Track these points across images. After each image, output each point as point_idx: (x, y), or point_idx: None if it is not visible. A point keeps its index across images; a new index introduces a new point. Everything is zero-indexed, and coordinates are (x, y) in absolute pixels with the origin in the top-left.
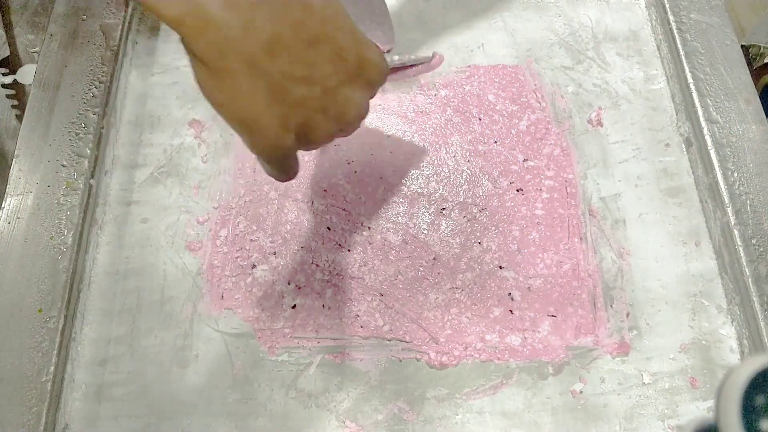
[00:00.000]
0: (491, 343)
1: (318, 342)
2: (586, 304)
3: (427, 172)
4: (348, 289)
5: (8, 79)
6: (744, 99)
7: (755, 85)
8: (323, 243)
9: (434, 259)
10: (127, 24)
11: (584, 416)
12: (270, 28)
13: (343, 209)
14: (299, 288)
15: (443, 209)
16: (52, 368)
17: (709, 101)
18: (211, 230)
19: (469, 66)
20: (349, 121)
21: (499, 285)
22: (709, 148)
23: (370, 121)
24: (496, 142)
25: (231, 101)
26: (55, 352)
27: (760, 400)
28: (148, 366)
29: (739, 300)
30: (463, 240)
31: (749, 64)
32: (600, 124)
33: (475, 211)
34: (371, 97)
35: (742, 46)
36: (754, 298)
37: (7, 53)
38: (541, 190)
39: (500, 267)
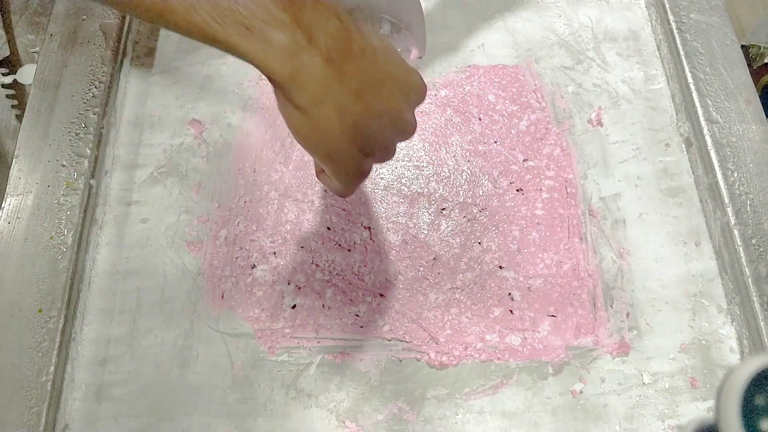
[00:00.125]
0: (491, 343)
1: (318, 342)
2: (586, 304)
3: (427, 172)
4: (348, 289)
5: (8, 79)
6: (744, 99)
7: (755, 85)
8: (323, 243)
9: (434, 259)
10: (127, 24)
11: (584, 416)
12: (357, 77)
13: (343, 209)
14: (299, 288)
15: (443, 209)
16: (52, 368)
17: (709, 101)
18: (211, 230)
19: (469, 66)
20: (409, 137)
21: (499, 285)
22: (709, 148)
23: None
24: (496, 142)
25: (323, 141)
26: (55, 352)
27: (760, 400)
28: (148, 366)
29: (739, 300)
30: (463, 240)
31: (749, 64)
32: (600, 124)
33: (475, 211)
34: None
35: (742, 46)
36: (754, 298)
37: (7, 53)
38: (541, 190)
39: (500, 267)
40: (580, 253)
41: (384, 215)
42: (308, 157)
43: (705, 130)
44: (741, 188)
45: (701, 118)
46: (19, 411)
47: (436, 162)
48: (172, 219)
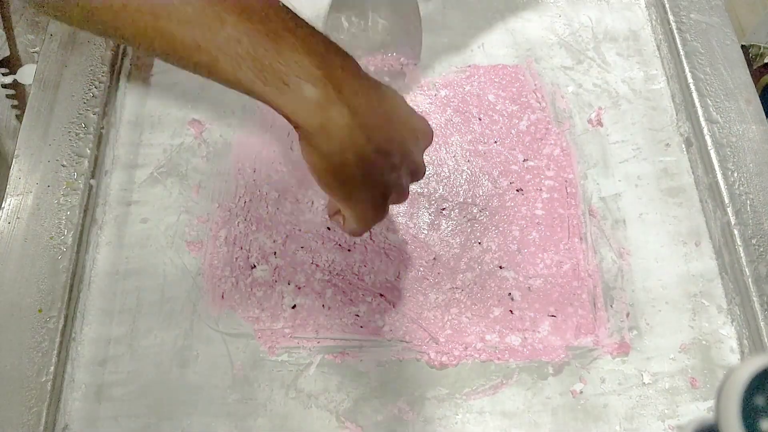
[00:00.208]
0: (491, 343)
1: (318, 342)
2: (586, 304)
3: (427, 172)
4: (348, 289)
5: (8, 79)
6: (744, 99)
7: (755, 85)
8: (323, 243)
9: (434, 259)
10: None
11: (584, 416)
12: (377, 128)
13: None
14: (299, 288)
15: (443, 209)
16: (51, 368)
17: (709, 101)
18: (211, 230)
19: (469, 66)
20: (421, 179)
21: (499, 285)
22: (709, 148)
23: None
24: (496, 142)
25: (346, 185)
26: (55, 352)
27: (760, 400)
28: (148, 366)
29: (740, 300)
30: (463, 240)
31: (749, 64)
32: (600, 124)
33: (475, 211)
34: None
35: (742, 46)
36: (754, 298)
37: (7, 53)
38: (541, 190)
39: (500, 267)
40: (580, 253)
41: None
42: None
43: (705, 130)
44: (741, 188)
45: (701, 118)
46: (19, 411)
47: (436, 162)
48: (172, 219)
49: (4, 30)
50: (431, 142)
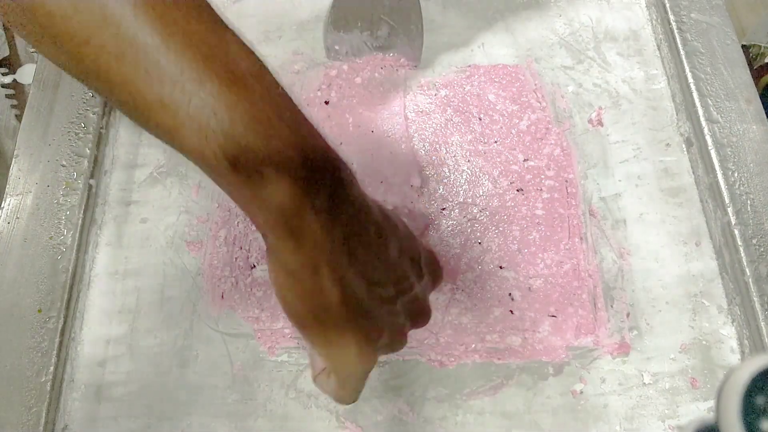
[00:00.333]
0: (491, 344)
1: None
2: (587, 304)
3: (427, 172)
4: None
5: (8, 79)
6: (744, 99)
7: (756, 84)
8: None
9: None
10: None
11: (585, 417)
12: (369, 253)
13: None
14: None
15: (443, 209)
16: (51, 368)
17: (709, 101)
18: (210, 230)
19: (469, 66)
20: (422, 326)
21: (499, 285)
22: (709, 147)
23: (371, 120)
24: (496, 141)
25: (319, 322)
26: (55, 352)
27: (760, 400)
28: (148, 366)
29: (740, 300)
30: (463, 240)
31: (750, 63)
32: (600, 123)
33: (475, 211)
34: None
35: (743, 45)
36: (755, 299)
37: (7, 53)
38: (541, 190)
39: (500, 267)
40: (581, 253)
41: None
42: None
43: (705, 130)
44: (741, 188)
45: (702, 118)
46: (19, 411)
47: (436, 162)
48: (172, 219)
49: (4, 30)
50: (440, 283)
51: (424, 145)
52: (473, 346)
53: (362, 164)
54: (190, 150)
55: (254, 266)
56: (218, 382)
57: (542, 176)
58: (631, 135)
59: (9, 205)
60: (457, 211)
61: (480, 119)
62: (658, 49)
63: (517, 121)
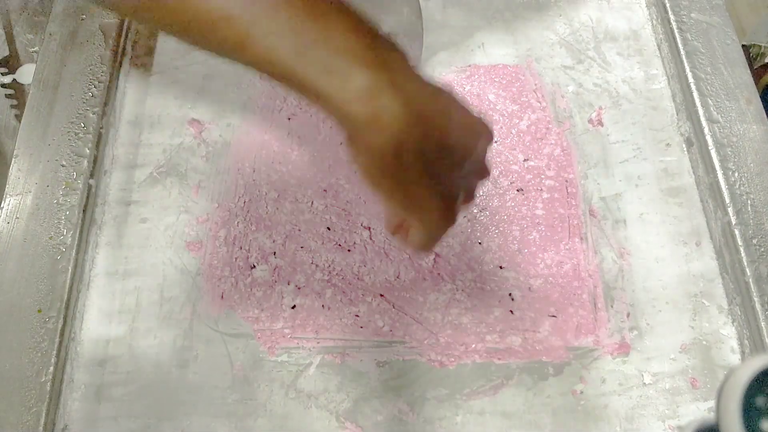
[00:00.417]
0: (491, 344)
1: (318, 342)
2: (587, 304)
3: None
4: (348, 289)
5: (8, 79)
6: (745, 99)
7: (756, 84)
8: (323, 243)
9: (434, 259)
10: (126, 24)
11: (585, 417)
12: (432, 122)
13: (343, 209)
14: (299, 288)
15: None
16: (51, 368)
17: (709, 101)
18: (210, 230)
19: (469, 66)
20: (486, 177)
21: (499, 285)
22: (709, 147)
23: None
24: (496, 141)
25: (405, 188)
26: (55, 352)
27: (760, 400)
28: (148, 366)
29: (740, 300)
30: (463, 240)
31: (750, 63)
32: (600, 123)
33: (475, 211)
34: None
35: (743, 45)
36: (755, 299)
37: (7, 53)
38: (541, 190)
39: (500, 267)
40: (581, 253)
41: (384, 215)
42: (307, 157)
43: (706, 130)
44: (742, 188)
45: (702, 118)
46: (19, 411)
47: None
48: (172, 219)
49: (4, 30)
50: (491, 142)
51: None
52: (473, 346)
53: None
54: (259, 60)
55: (254, 266)
56: (218, 382)
57: (542, 176)
58: (631, 135)
59: (9, 205)
60: None
61: None
62: (659, 49)
63: (518, 121)
